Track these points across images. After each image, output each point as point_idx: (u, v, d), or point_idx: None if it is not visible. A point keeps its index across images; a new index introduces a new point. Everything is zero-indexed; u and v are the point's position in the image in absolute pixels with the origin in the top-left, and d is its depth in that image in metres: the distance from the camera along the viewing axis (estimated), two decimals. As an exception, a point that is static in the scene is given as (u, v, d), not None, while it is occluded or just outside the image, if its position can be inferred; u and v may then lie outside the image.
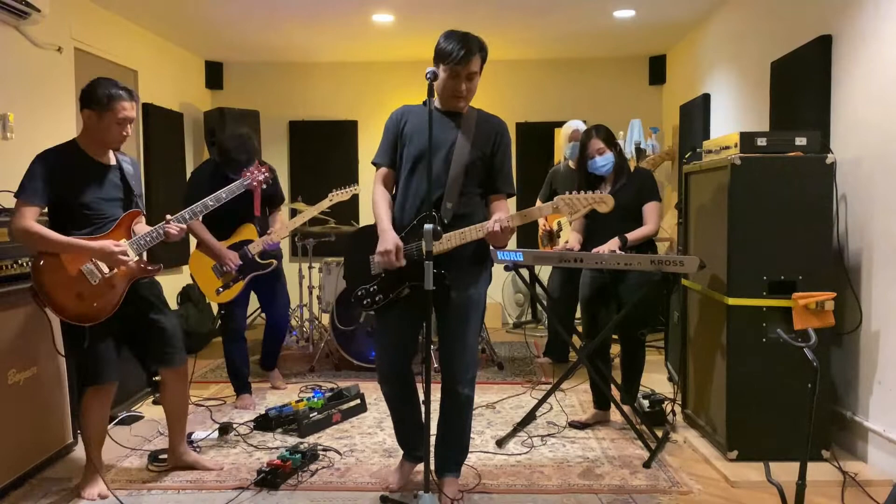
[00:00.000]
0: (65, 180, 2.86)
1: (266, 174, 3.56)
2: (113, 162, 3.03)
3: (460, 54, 2.65)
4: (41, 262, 2.82)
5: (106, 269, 2.87)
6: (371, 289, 2.84)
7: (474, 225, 2.73)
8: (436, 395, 2.88)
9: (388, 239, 2.71)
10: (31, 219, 2.79)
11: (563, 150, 5.15)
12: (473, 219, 2.78)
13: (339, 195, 4.56)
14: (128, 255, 2.86)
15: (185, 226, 3.04)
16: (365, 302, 2.86)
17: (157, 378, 4.37)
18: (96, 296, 2.86)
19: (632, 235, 3.61)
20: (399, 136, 2.85)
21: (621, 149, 3.83)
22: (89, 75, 4.97)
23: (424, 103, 2.74)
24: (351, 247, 2.99)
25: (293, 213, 6.34)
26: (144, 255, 3.06)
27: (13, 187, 3.51)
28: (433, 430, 3.02)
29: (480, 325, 2.92)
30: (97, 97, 2.86)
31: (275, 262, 4.31)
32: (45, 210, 2.91)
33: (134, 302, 2.99)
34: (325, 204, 4.58)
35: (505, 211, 2.84)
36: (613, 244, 3.56)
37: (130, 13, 5.44)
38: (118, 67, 5.45)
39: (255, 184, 3.48)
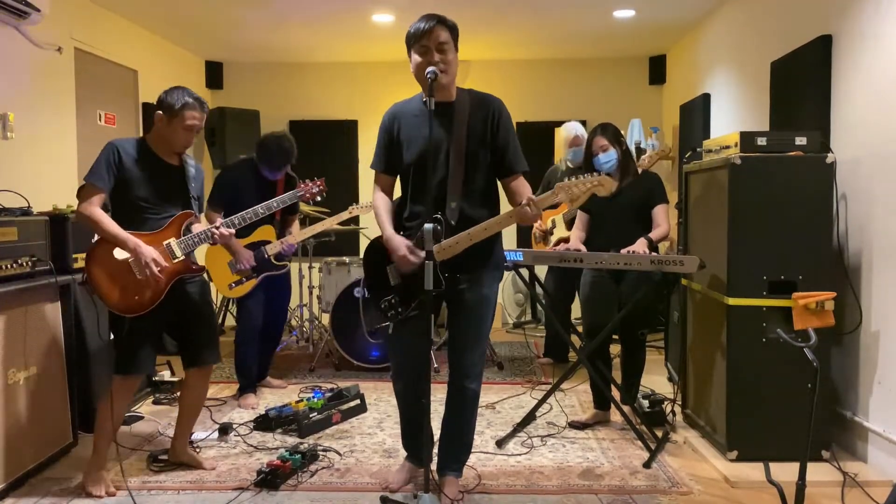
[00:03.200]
0: (129, 171, 2.99)
1: (320, 188, 3.77)
2: (177, 163, 3.14)
3: (423, 27, 2.65)
4: (95, 251, 2.95)
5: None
6: (393, 300, 2.81)
7: (495, 217, 2.72)
8: (437, 396, 2.89)
9: (398, 243, 2.70)
10: (97, 203, 2.93)
11: (562, 151, 5.14)
12: (482, 217, 2.75)
13: (357, 209, 4.75)
14: (155, 267, 2.91)
15: (233, 230, 3.21)
16: (390, 314, 2.82)
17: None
18: (139, 289, 2.94)
19: (653, 236, 3.64)
20: (395, 140, 2.82)
21: (628, 148, 3.84)
22: (89, 75, 5.02)
23: (423, 100, 2.72)
24: (367, 258, 2.96)
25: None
26: (195, 255, 3.17)
27: (13, 187, 3.53)
28: (434, 431, 3.04)
29: (492, 321, 2.92)
30: (170, 102, 3.01)
31: (288, 265, 4.42)
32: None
33: (180, 299, 3.08)
34: (343, 216, 4.71)
35: (527, 188, 2.79)
36: (641, 245, 3.56)
37: (130, 13, 5.44)
38: (118, 67, 5.46)
39: (307, 196, 3.71)
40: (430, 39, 2.65)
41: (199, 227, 3.15)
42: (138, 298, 2.95)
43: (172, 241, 3.03)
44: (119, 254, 2.93)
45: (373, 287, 2.91)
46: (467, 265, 2.74)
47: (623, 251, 3.51)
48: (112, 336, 3.09)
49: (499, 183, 2.87)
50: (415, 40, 2.68)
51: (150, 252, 2.92)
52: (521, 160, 2.83)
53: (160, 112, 3.04)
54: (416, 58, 2.69)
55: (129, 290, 2.94)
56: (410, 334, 2.82)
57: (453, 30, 2.72)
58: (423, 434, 2.69)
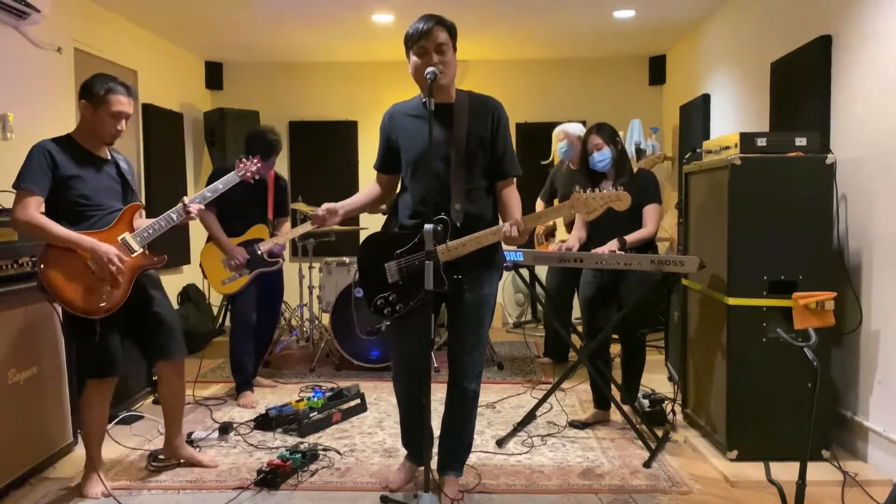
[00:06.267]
0: (62, 170, 2.87)
1: (257, 165, 3.66)
2: (108, 157, 3.06)
3: (421, 28, 2.64)
4: (48, 257, 2.83)
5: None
6: (390, 297, 2.81)
7: (490, 228, 2.71)
8: (436, 396, 2.90)
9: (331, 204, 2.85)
10: (34, 209, 2.80)
11: (558, 148, 5.13)
12: (484, 217, 2.76)
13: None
14: (119, 262, 2.86)
15: (202, 206, 3.16)
16: (385, 312, 2.82)
17: (155, 378, 4.45)
18: (103, 289, 2.87)
19: (631, 237, 3.61)
20: (393, 141, 2.84)
21: (623, 147, 3.83)
22: (89, 75, 5.00)
23: (422, 102, 2.73)
24: (362, 256, 2.96)
25: (294, 212, 6.35)
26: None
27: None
28: (434, 430, 3.04)
29: (492, 321, 2.92)
30: (94, 90, 2.90)
31: (280, 261, 4.48)
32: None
33: (136, 293, 3.00)
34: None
35: (517, 200, 2.81)
36: (613, 245, 3.56)
37: (130, 13, 5.44)
38: (118, 67, 5.45)
39: (247, 174, 3.62)
40: (429, 41, 2.64)
41: (146, 220, 3.09)
42: (105, 298, 2.87)
43: (127, 236, 2.96)
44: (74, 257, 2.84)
45: (369, 285, 2.90)
46: (468, 266, 2.74)
47: (593, 251, 3.51)
48: (77, 341, 3.00)
49: None
50: (413, 41, 2.67)
51: (109, 248, 2.85)
52: (515, 164, 2.85)
53: (84, 101, 2.92)
54: (415, 59, 2.69)
55: (93, 292, 2.85)
56: (411, 334, 2.82)
57: (452, 30, 2.71)
58: (422, 433, 2.69)
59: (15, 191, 2.85)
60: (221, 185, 3.40)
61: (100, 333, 2.91)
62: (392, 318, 2.83)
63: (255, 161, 3.66)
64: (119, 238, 2.94)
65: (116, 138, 3.01)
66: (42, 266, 2.83)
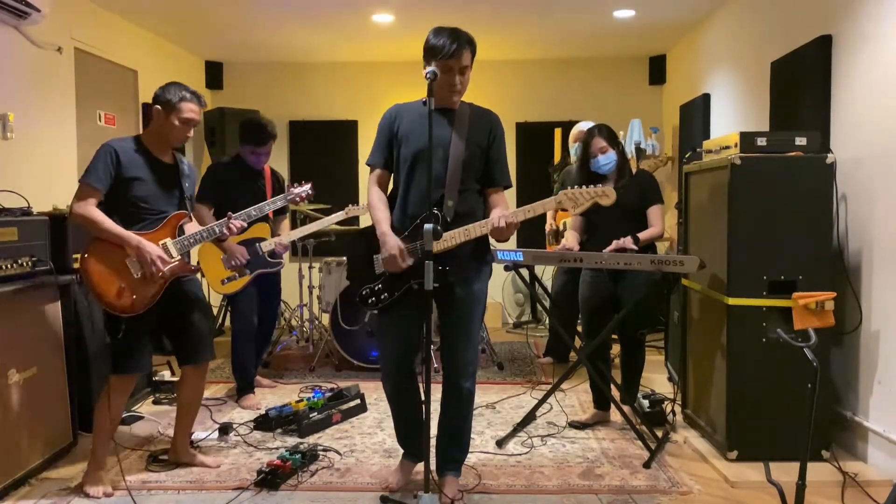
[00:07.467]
0: (126, 171, 3.00)
1: (308, 191, 3.92)
2: (172, 161, 3.17)
3: (452, 48, 2.65)
4: (92, 250, 2.96)
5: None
6: (376, 288, 2.84)
7: (478, 221, 2.74)
8: (436, 396, 2.89)
9: (391, 243, 2.71)
10: (92, 204, 2.94)
11: (571, 150, 5.18)
12: (474, 215, 2.80)
13: (354, 210, 4.77)
14: (161, 264, 2.96)
15: (245, 224, 3.32)
16: (370, 301, 2.85)
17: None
18: (135, 289, 2.97)
19: (643, 235, 3.63)
20: (394, 137, 2.84)
21: (623, 149, 3.84)
22: (89, 75, 5.02)
23: (423, 102, 2.75)
24: (354, 247, 2.98)
25: (293, 213, 6.36)
26: (190, 255, 3.25)
27: (13, 187, 3.53)
28: (433, 430, 3.04)
29: (483, 317, 2.94)
30: (167, 97, 3.03)
31: (282, 262, 4.46)
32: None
33: (175, 297, 3.10)
34: (339, 216, 4.73)
35: (504, 204, 2.86)
36: (628, 241, 3.55)
37: (130, 13, 5.44)
38: (118, 67, 5.45)
39: (297, 200, 3.85)
40: (456, 63, 2.68)
41: (192, 226, 3.17)
42: (136, 298, 2.96)
43: (168, 241, 3.05)
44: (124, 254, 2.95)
45: (358, 276, 2.93)
46: (456, 261, 2.76)
47: (614, 243, 3.52)
48: (108, 335, 3.10)
49: None
50: (440, 57, 2.67)
51: (154, 249, 2.95)
52: (507, 176, 2.92)
53: (158, 107, 3.05)
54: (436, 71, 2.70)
55: (124, 290, 2.96)
56: (398, 327, 2.86)
57: (474, 51, 2.75)
58: (416, 430, 2.70)
59: (79, 182, 3.00)
60: (269, 206, 3.59)
61: (124, 331, 3.00)
62: (377, 308, 2.86)
63: (307, 186, 3.90)
64: (160, 242, 3.03)
65: (184, 142, 3.15)
66: (84, 257, 2.96)
